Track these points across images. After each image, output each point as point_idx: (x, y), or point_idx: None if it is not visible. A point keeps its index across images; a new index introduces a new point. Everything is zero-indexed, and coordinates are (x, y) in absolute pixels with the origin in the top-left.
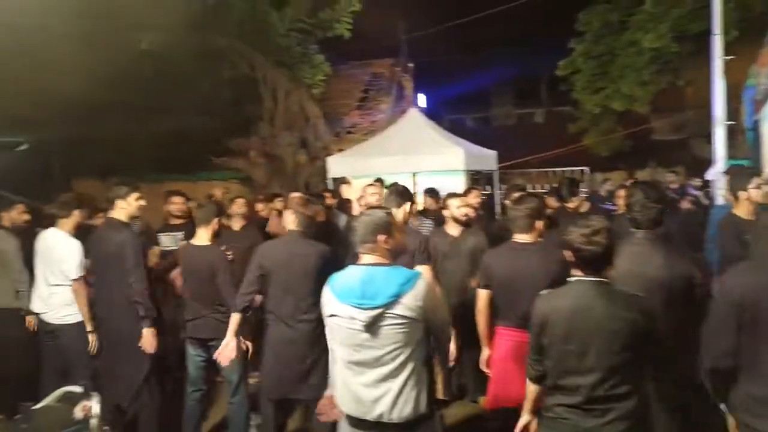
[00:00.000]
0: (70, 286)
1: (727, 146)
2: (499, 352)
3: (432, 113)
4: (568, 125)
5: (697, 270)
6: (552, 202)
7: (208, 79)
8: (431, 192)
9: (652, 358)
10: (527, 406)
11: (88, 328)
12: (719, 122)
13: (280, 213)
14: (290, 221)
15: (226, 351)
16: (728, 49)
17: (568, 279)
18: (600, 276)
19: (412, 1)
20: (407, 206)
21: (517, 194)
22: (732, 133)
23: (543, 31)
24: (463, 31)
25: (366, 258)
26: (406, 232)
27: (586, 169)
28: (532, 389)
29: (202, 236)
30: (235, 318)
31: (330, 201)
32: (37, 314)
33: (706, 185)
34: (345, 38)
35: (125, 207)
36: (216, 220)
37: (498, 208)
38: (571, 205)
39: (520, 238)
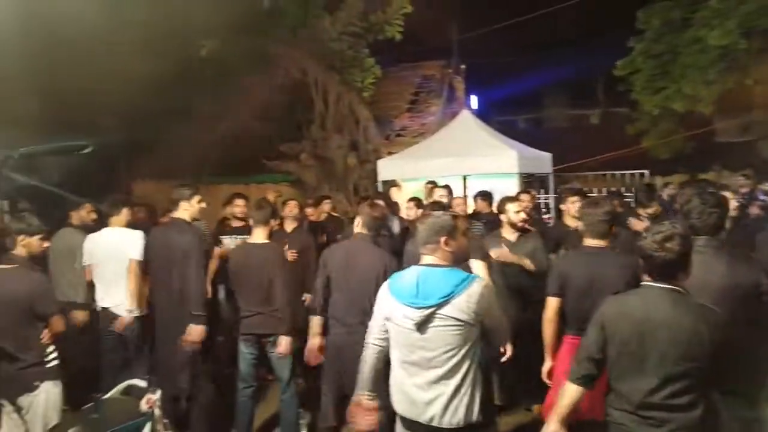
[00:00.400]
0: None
1: None
2: (565, 361)
3: (482, 115)
4: (626, 127)
5: (765, 277)
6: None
7: (262, 85)
8: (483, 195)
9: (720, 370)
10: (559, 410)
11: (136, 312)
12: None
13: (329, 215)
14: (358, 224)
15: (310, 355)
16: None
17: (641, 284)
18: (672, 283)
19: (464, 2)
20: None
21: (589, 198)
22: None
23: (599, 30)
24: (516, 31)
25: (426, 259)
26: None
27: (645, 172)
28: (570, 391)
29: (259, 235)
30: (315, 321)
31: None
32: (104, 308)
33: None
34: (396, 40)
35: (188, 208)
36: (272, 221)
37: (552, 213)
38: (649, 210)
39: (594, 243)
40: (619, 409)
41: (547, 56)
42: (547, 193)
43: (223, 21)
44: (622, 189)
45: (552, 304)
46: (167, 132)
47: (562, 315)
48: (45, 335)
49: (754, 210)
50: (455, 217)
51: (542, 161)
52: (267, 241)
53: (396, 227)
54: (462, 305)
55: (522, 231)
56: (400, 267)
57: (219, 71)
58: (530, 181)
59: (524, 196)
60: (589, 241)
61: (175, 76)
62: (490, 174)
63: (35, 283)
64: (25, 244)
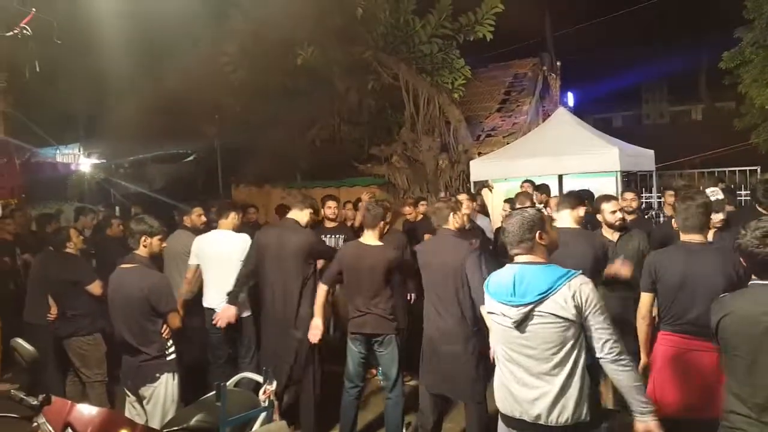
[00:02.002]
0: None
1: None
2: (659, 359)
3: (577, 112)
4: (733, 121)
5: None
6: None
7: (353, 90)
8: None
9: None
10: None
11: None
12: None
13: (424, 216)
14: (447, 220)
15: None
16: None
17: (749, 283)
18: None
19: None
20: (581, 210)
21: (684, 191)
22: None
23: (701, 22)
24: (613, 26)
25: (521, 258)
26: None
27: (757, 168)
28: None
29: (370, 237)
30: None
31: (472, 204)
32: (212, 308)
33: None
34: (487, 40)
35: (305, 217)
36: (382, 222)
37: (655, 212)
38: None
39: (691, 238)
40: (738, 414)
41: (645, 50)
42: (649, 192)
43: (319, 30)
44: (731, 186)
45: (645, 299)
46: (263, 138)
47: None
48: (164, 330)
49: None
50: (540, 210)
51: (644, 158)
52: (379, 242)
53: (487, 226)
54: (561, 302)
55: (621, 230)
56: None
57: (312, 78)
58: (628, 180)
59: (628, 195)
60: (685, 236)
61: (271, 85)
62: (588, 173)
63: (155, 281)
64: (147, 245)
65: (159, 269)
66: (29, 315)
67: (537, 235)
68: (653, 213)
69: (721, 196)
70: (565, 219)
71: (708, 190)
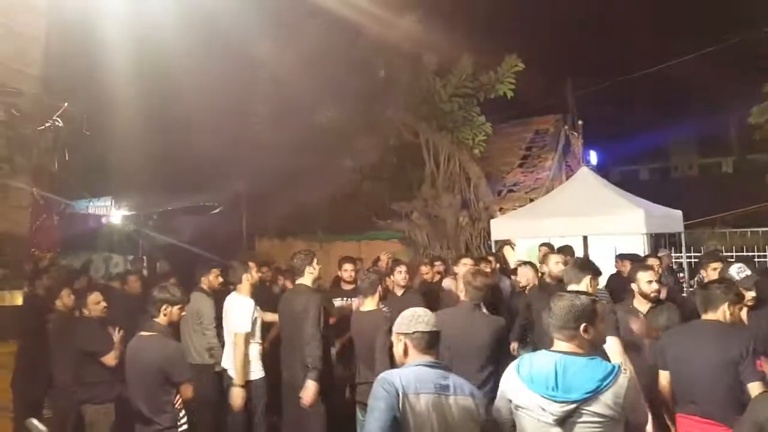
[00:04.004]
0: (255, 343)
1: None
2: None
3: (601, 166)
4: (766, 176)
5: None
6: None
7: (375, 147)
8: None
9: None
10: None
11: (239, 381)
12: None
13: (441, 275)
14: (461, 291)
15: None
16: None
17: None
18: None
19: (577, 56)
20: (588, 280)
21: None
22: None
23: (731, 74)
24: (635, 82)
25: (561, 345)
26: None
27: None
28: None
29: (368, 303)
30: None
31: (492, 265)
32: (225, 369)
33: None
34: (508, 98)
35: (312, 273)
36: (379, 288)
37: (686, 274)
38: None
39: (708, 316)
40: None
41: (671, 103)
42: (678, 252)
43: (343, 90)
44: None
45: (661, 378)
46: (287, 192)
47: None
48: (177, 401)
49: None
50: (594, 300)
51: (672, 219)
52: (374, 308)
53: (507, 288)
54: (609, 401)
55: (655, 302)
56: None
57: (337, 136)
58: (658, 237)
59: (653, 261)
60: (704, 315)
61: (296, 142)
62: (612, 233)
63: (171, 351)
64: (167, 313)
65: (176, 335)
66: (55, 378)
67: (582, 327)
68: (683, 277)
69: (748, 272)
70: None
71: (734, 268)
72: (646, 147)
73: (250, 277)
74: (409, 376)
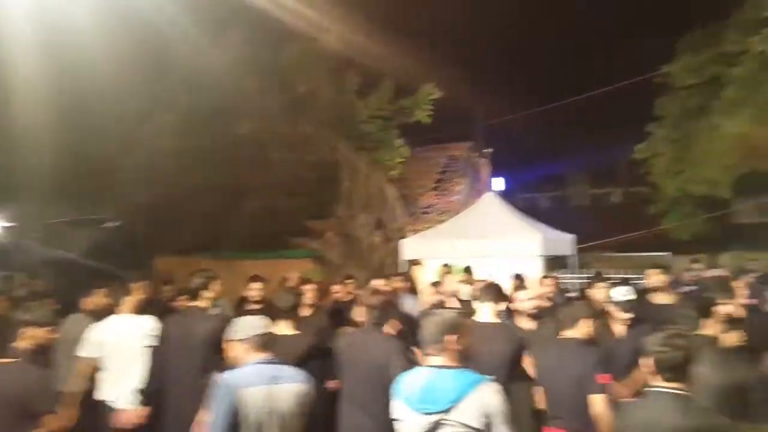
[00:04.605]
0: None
1: None
2: None
3: (507, 192)
4: (648, 206)
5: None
6: None
7: (292, 163)
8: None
9: None
10: None
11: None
12: None
13: (353, 294)
14: (360, 313)
15: None
16: None
17: (646, 389)
18: (677, 386)
19: (490, 88)
20: (502, 305)
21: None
22: None
23: (621, 113)
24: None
25: (432, 360)
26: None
27: (668, 254)
28: None
29: (283, 327)
30: None
31: (401, 284)
32: (105, 401)
33: None
34: (424, 123)
35: (209, 295)
36: (296, 311)
37: (576, 294)
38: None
39: (568, 333)
40: None
41: (569, 136)
42: (570, 273)
43: (262, 102)
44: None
45: (537, 393)
46: (195, 207)
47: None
48: None
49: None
50: (461, 314)
51: (565, 243)
52: (293, 332)
53: (413, 307)
54: (474, 411)
55: (535, 318)
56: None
57: (253, 149)
58: (553, 261)
59: (546, 281)
60: (564, 332)
61: (211, 153)
62: (513, 256)
63: (31, 380)
64: (31, 336)
65: (47, 362)
66: None
67: (451, 338)
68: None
69: (632, 296)
70: (487, 313)
71: (621, 290)
72: (547, 176)
73: (135, 298)
74: (244, 374)
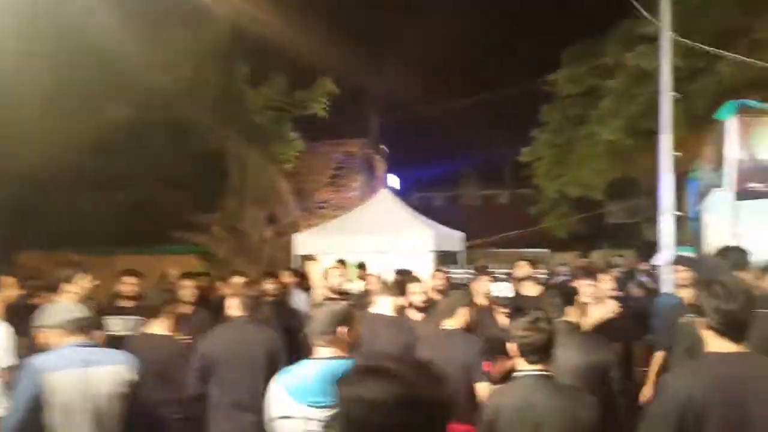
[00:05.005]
0: None
1: (675, 234)
2: None
3: (403, 190)
4: (530, 207)
5: (615, 358)
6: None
7: (176, 152)
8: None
9: None
10: None
11: None
12: (666, 212)
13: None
14: (234, 306)
15: None
16: (676, 146)
17: (513, 374)
18: (542, 368)
19: (387, 86)
20: (401, 299)
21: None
22: (678, 222)
23: (509, 119)
24: (434, 116)
25: (322, 351)
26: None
27: (547, 251)
28: None
29: (157, 326)
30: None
31: (290, 279)
32: None
33: (653, 270)
34: (320, 117)
35: (74, 290)
36: (170, 308)
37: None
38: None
39: (448, 323)
40: None
41: (462, 138)
42: (459, 269)
43: (141, 85)
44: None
45: None
46: (63, 197)
47: None
48: None
49: (634, 290)
50: (352, 304)
51: (455, 240)
52: (165, 333)
53: (304, 302)
54: None
55: (424, 311)
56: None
57: (131, 136)
58: (445, 256)
59: (437, 275)
60: (443, 322)
61: (82, 138)
62: (406, 251)
63: None
64: None
65: None
66: None
67: (342, 330)
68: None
69: (510, 293)
70: (385, 306)
71: (502, 285)
72: (441, 176)
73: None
74: (53, 357)
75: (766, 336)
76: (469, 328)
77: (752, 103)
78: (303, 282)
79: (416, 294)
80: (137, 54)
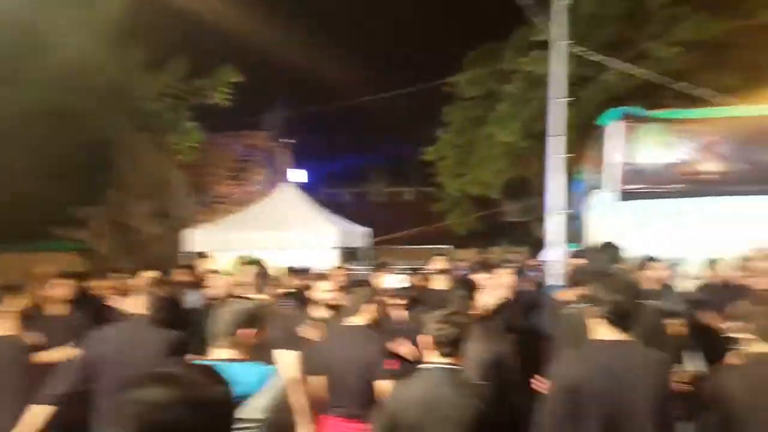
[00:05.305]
0: None
1: (564, 232)
2: None
3: (311, 186)
4: (434, 205)
5: (511, 348)
6: (415, 280)
7: (56, 140)
8: (297, 271)
9: None
10: None
11: None
12: (553, 211)
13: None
14: (138, 304)
15: None
16: (567, 148)
17: (419, 366)
18: (453, 360)
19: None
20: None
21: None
22: (568, 220)
23: (417, 117)
24: (342, 111)
25: (218, 353)
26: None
27: (449, 247)
28: None
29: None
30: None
31: (183, 277)
32: None
33: (542, 265)
34: (222, 107)
35: None
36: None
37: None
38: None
39: (351, 320)
40: None
41: (370, 135)
42: (364, 265)
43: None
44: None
45: (311, 383)
46: None
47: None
48: None
49: (525, 284)
50: (257, 306)
51: (360, 236)
52: (10, 333)
53: (197, 301)
54: (259, 404)
55: (334, 309)
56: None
57: (4, 122)
58: (349, 254)
59: (340, 272)
60: (348, 319)
61: None
62: (309, 247)
63: None
64: None
65: None
66: None
67: (244, 331)
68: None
69: (406, 284)
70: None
71: (394, 278)
72: (349, 172)
73: None
74: None
75: (649, 327)
76: (375, 325)
77: (634, 110)
78: (197, 280)
79: (325, 292)
80: (15, 32)
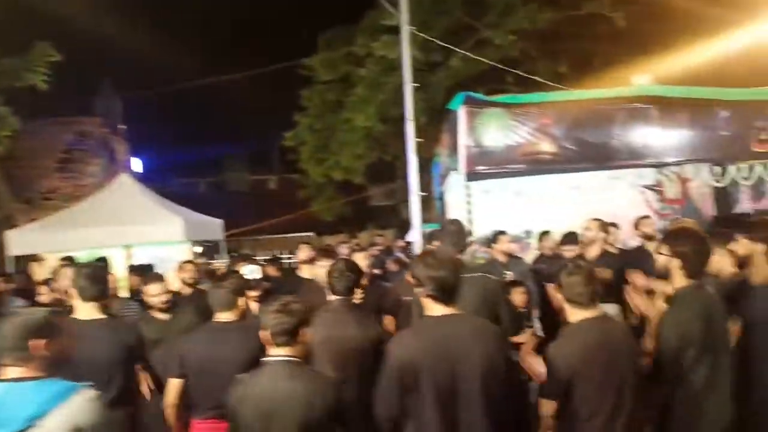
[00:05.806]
0: None
1: (423, 212)
2: None
3: (158, 178)
4: (298, 192)
5: (384, 333)
6: (272, 270)
7: None
8: (138, 270)
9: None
10: None
11: None
12: (414, 192)
13: None
14: None
15: None
16: (420, 132)
17: (263, 360)
18: (290, 351)
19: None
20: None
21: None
22: (426, 201)
23: (274, 101)
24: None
25: (10, 371)
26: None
27: (312, 234)
28: None
29: None
30: None
31: (4, 286)
32: None
33: (408, 246)
34: (41, 90)
35: None
36: None
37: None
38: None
39: (221, 317)
40: None
41: (225, 121)
42: (223, 257)
43: None
44: (285, 252)
45: (172, 385)
46: None
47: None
48: None
49: (392, 266)
50: (57, 313)
51: (213, 227)
52: None
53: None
54: (59, 425)
55: (167, 311)
56: None
57: None
58: (208, 247)
59: (187, 267)
60: (217, 315)
61: None
62: (155, 243)
63: None
64: None
65: None
66: None
67: (36, 344)
68: None
69: (258, 275)
70: (88, 310)
71: (246, 269)
72: (204, 161)
73: None
74: None
75: (472, 296)
76: (243, 318)
77: (477, 95)
78: (26, 287)
79: (156, 296)
80: None
